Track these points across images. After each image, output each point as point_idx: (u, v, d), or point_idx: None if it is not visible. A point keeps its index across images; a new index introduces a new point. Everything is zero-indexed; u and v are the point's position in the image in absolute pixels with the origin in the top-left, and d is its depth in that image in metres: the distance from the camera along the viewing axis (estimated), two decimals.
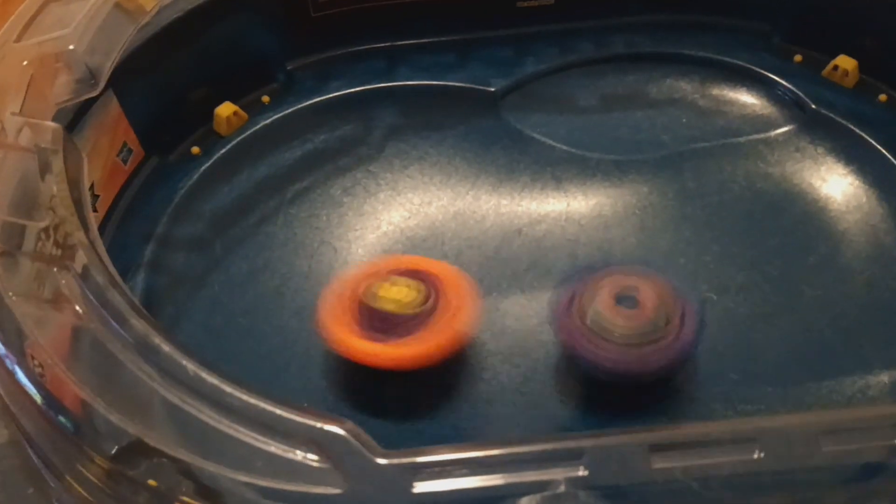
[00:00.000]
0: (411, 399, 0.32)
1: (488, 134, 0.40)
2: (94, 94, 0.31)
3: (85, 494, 0.24)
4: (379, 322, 0.30)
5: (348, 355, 0.31)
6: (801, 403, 0.31)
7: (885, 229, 0.36)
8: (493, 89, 0.41)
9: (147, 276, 0.35)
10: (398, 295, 0.31)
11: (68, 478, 0.24)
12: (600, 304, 0.30)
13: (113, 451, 0.23)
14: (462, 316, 0.31)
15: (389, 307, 0.30)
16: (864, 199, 0.37)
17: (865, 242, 0.35)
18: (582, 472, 0.21)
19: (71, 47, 0.30)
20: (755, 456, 0.22)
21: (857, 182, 0.37)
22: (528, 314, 0.34)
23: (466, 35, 0.42)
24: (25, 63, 0.30)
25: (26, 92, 0.29)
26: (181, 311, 0.34)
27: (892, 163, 0.37)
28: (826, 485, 0.22)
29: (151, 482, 0.23)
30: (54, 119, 0.30)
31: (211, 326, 0.34)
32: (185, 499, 0.22)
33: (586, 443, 0.22)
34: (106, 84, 0.32)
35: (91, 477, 0.24)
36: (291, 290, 0.35)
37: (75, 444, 0.24)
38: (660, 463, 0.22)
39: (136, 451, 0.23)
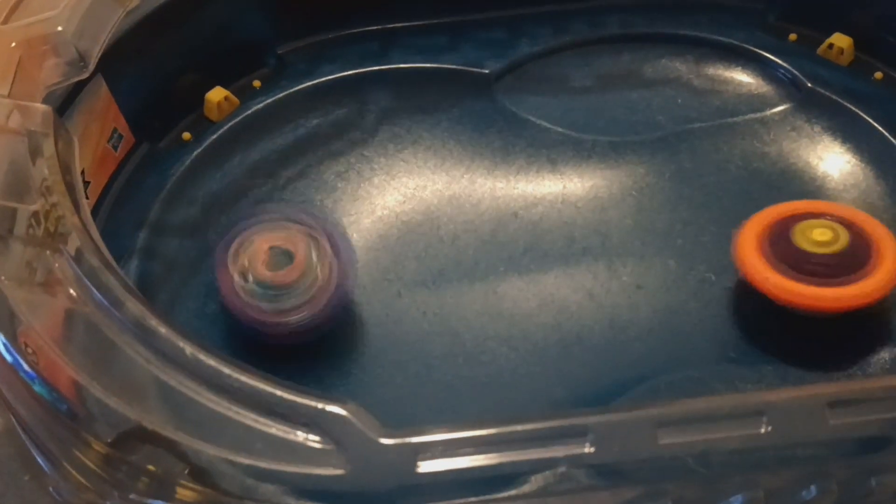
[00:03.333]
0: (410, 383, 0.32)
1: (483, 116, 0.40)
2: (83, 77, 0.31)
3: (82, 481, 0.23)
4: (797, 260, 0.30)
5: (766, 290, 0.31)
6: (801, 382, 0.31)
7: (882, 207, 0.36)
8: (487, 71, 0.40)
9: (140, 262, 0.34)
10: (820, 237, 0.31)
11: (65, 464, 0.24)
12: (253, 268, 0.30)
13: (111, 437, 0.23)
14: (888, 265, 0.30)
15: (809, 248, 0.31)
16: (861, 177, 0.37)
17: None
18: (588, 449, 0.21)
19: (59, 29, 0.30)
20: (762, 430, 0.21)
21: (853, 160, 0.37)
22: (525, 297, 0.34)
23: (459, 17, 0.42)
24: (13, 45, 0.29)
25: (14, 75, 0.29)
26: (175, 298, 0.34)
27: (889, 140, 0.37)
28: (833, 459, 0.22)
29: (151, 467, 0.22)
30: (43, 103, 0.29)
31: (206, 313, 0.34)
32: (185, 482, 0.22)
33: (591, 420, 0.22)
34: (95, 69, 0.32)
35: (88, 463, 0.23)
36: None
37: (71, 430, 0.23)
38: (666, 438, 0.21)
39: (135, 435, 0.23)
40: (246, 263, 0.30)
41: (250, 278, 0.30)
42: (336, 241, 0.31)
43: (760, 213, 0.33)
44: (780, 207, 0.33)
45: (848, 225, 0.32)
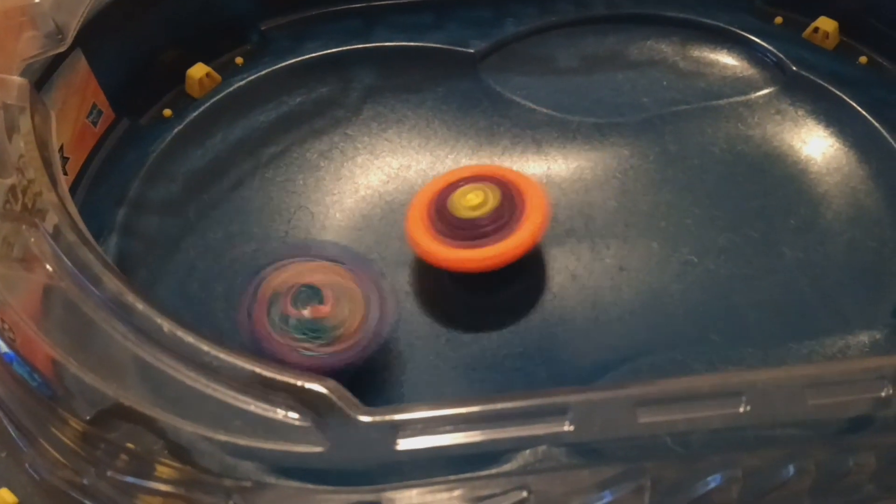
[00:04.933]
0: (392, 363, 0.32)
1: (468, 96, 0.39)
2: (61, 50, 0.30)
3: (59, 458, 0.23)
4: (458, 228, 0.31)
5: (437, 263, 0.31)
6: (781, 363, 0.31)
7: (864, 191, 0.36)
8: (472, 51, 0.40)
9: (119, 240, 0.34)
10: (473, 201, 0.31)
11: (42, 441, 0.24)
12: (284, 308, 0.29)
13: (89, 415, 0.22)
14: (535, 217, 0.31)
15: (465, 213, 0.31)
16: (845, 161, 0.37)
17: (845, 204, 0.35)
18: (567, 427, 0.21)
19: (36, 1, 0.29)
20: (741, 410, 0.21)
21: (837, 144, 0.37)
22: (509, 277, 0.34)
23: None
24: None
25: None
26: (155, 276, 0.34)
27: (873, 124, 0.37)
28: (811, 439, 0.22)
29: (129, 444, 0.22)
30: (21, 76, 0.29)
31: (186, 292, 0.33)
32: (164, 460, 0.22)
33: (572, 398, 0.22)
34: (74, 43, 0.31)
35: (66, 440, 0.23)
36: (268, 256, 0.34)
37: (48, 407, 0.23)
38: (645, 417, 0.21)
39: (113, 413, 0.22)
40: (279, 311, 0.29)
41: (283, 313, 0.29)
42: (378, 285, 0.30)
43: (421, 192, 0.33)
44: (434, 183, 0.34)
45: (499, 183, 0.32)
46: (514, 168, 0.37)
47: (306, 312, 0.29)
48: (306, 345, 0.28)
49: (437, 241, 0.31)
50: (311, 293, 0.29)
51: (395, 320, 0.30)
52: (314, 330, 0.29)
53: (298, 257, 0.30)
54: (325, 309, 0.29)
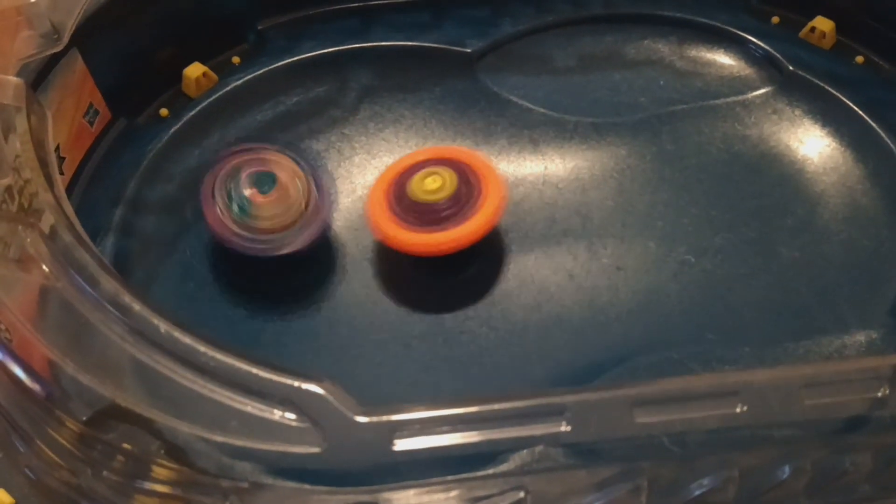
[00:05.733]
0: (389, 362, 0.32)
1: (465, 96, 0.39)
2: (57, 50, 0.30)
3: (56, 459, 0.23)
4: (417, 212, 0.32)
5: (397, 247, 0.32)
6: (778, 363, 0.31)
7: (861, 190, 0.36)
8: (469, 50, 0.40)
9: (116, 240, 0.34)
10: (431, 185, 0.32)
11: (38, 442, 0.24)
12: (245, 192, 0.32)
13: (85, 416, 0.22)
14: (493, 199, 0.32)
15: (423, 197, 0.32)
16: (841, 161, 0.37)
17: (842, 203, 0.35)
18: (564, 428, 0.21)
19: (32, 0, 0.29)
20: (737, 409, 0.22)
21: (834, 144, 0.37)
22: (505, 277, 0.34)
23: None
24: None
25: None
26: (152, 277, 0.34)
27: (869, 124, 0.37)
28: (807, 439, 0.22)
29: (126, 445, 0.22)
30: (17, 76, 0.29)
31: (183, 292, 0.33)
32: (161, 461, 0.22)
33: (568, 398, 0.22)
34: (70, 42, 0.31)
35: (62, 441, 0.23)
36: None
37: (45, 408, 0.23)
38: (642, 417, 0.21)
39: (109, 414, 0.22)
40: (231, 185, 0.32)
41: (234, 198, 0.31)
42: (316, 173, 0.33)
43: (382, 175, 0.34)
44: (394, 166, 0.34)
45: (455, 166, 0.33)
46: (511, 168, 0.37)
47: (254, 194, 0.31)
48: (247, 227, 0.31)
49: (396, 225, 0.32)
50: (266, 178, 0.31)
51: (332, 211, 0.33)
52: (257, 213, 0.31)
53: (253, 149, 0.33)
54: (275, 195, 0.31)
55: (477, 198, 0.32)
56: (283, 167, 0.32)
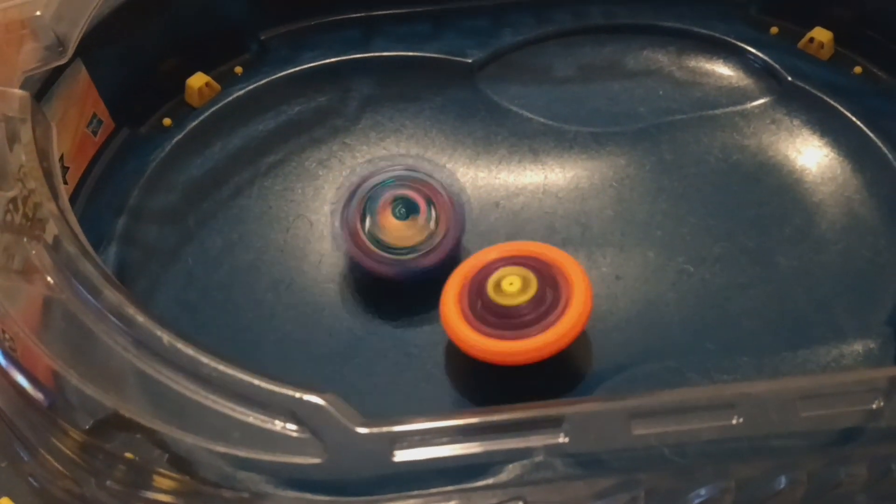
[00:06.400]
0: (389, 372, 0.32)
1: (465, 106, 0.40)
2: (62, 62, 0.31)
3: (59, 468, 0.23)
4: (494, 315, 0.30)
5: (472, 354, 0.30)
6: (776, 373, 0.31)
7: (859, 200, 0.36)
8: (469, 60, 0.40)
9: (119, 249, 0.34)
10: (510, 287, 0.30)
11: (42, 452, 0.24)
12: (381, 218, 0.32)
13: (88, 425, 0.23)
14: (577, 305, 0.30)
15: (503, 300, 0.30)
16: (839, 171, 0.37)
17: (840, 213, 0.36)
18: (562, 440, 0.21)
19: (38, 13, 0.29)
20: (734, 421, 0.22)
21: (832, 154, 0.37)
22: None
23: (442, 5, 0.42)
24: None
25: None
26: (154, 285, 0.34)
27: (867, 135, 0.37)
28: (804, 450, 0.22)
29: (128, 455, 0.22)
30: (22, 88, 0.29)
31: (185, 300, 0.34)
32: (163, 470, 0.22)
33: (566, 410, 0.22)
34: (74, 53, 0.32)
35: (65, 450, 0.23)
36: (267, 264, 0.35)
37: (48, 418, 0.23)
38: (640, 429, 0.22)
39: (112, 423, 0.23)
40: (368, 211, 0.32)
41: (371, 225, 0.32)
42: (452, 196, 0.33)
43: (455, 274, 0.31)
44: (471, 261, 0.32)
45: (535, 266, 0.31)
46: (511, 177, 0.37)
47: (401, 223, 0.32)
48: (394, 255, 0.32)
49: (475, 330, 0.30)
50: (407, 204, 0.32)
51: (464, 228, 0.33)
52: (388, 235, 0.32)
53: (390, 169, 0.33)
54: (418, 220, 0.32)
55: (559, 302, 0.30)
56: (421, 191, 0.32)
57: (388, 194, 0.32)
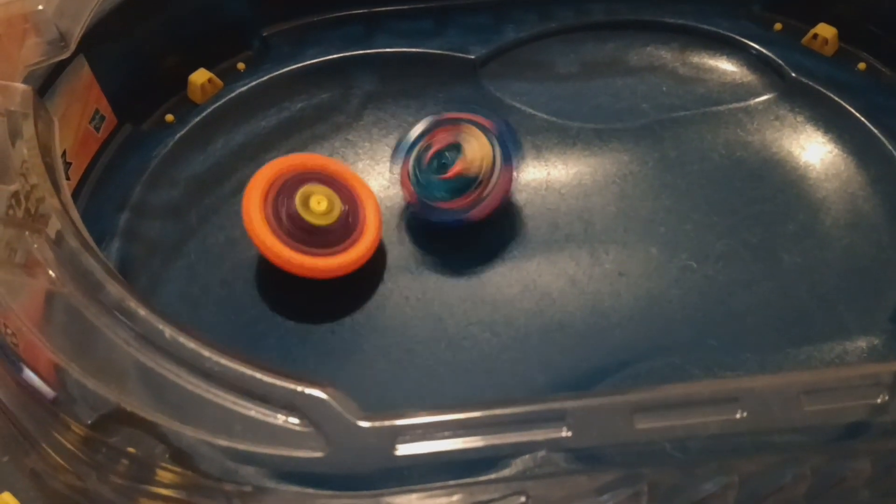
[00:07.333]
0: (391, 367, 0.32)
1: (468, 102, 0.40)
2: (64, 57, 0.31)
3: (61, 462, 0.23)
4: (303, 232, 0.32)
5: (278, 264, 0.32)
6: (779, 369, 0.31)
7: (863, 196, 0.36)
8: (472, 57, 0.40)
9: (122, 244, 0.34)
10: (319, 208, 0.33)
11: (44, 445, 0.24)
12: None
13: (90, 419, 0.23)
14: (372, 226, 0.34)
15: (315, 220, 0.32)
16: (843, 167, 0.37)
17: (844, 210, 0.36)
18: (565, 434, 0.21)
19: (40, 8, 0.29)
20: (737, 416, 0.22)
21: (835, 150, 0.37)
22: (508, 283, 0.34)
23: (445, 1, 0.42)
24: None
25: None
26: (157, 281, 0.34)
27: (871, 130, 0.37)
28: (807, 445, 0.22)
29: (130, 449, 0.22)
30: (24, 82, 0.29)
31: (188, 295, 0.34)
32: (165, 464, 0.22)
33: (569, 404, 0.22)
34: (77, 49, 0.32)
35: (67, 444, 0.23)
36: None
37: (50, 412, 0.23)
38: (642, 423, 0.22)
39: (114, 418, 0.23)
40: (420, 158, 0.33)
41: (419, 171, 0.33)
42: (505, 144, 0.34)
43: (255, 179, 0.33)
44: (265, 171, 0.33)
45: (338, 187, 0.34)
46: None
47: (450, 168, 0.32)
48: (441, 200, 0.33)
49: (285, 244, 0.32)
50: (453, 150, 0.33)
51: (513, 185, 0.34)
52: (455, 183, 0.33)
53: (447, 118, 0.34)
54: (460, 166, 0.32)
55: (357, 226, 0.33)
56: (471, 140, 0.33)
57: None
